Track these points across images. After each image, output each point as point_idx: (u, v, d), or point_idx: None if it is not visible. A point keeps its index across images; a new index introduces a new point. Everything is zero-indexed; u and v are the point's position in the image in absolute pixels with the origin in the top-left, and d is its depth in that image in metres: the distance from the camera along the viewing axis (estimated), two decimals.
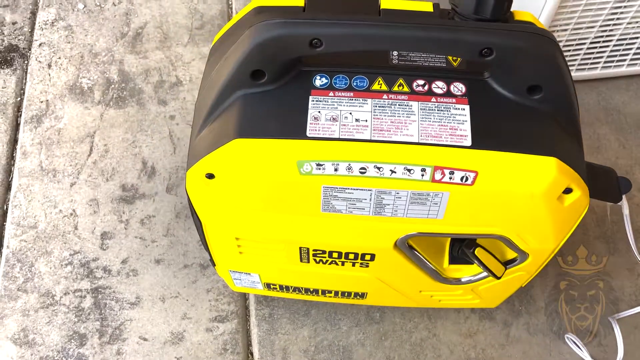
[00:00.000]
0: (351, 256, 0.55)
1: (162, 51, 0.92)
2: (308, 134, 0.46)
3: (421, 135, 0.46)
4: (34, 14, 0.95)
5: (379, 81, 0.48)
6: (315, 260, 0.56)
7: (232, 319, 0.71)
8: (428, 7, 0.53)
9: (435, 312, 0.72)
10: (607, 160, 0.84)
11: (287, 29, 0.44)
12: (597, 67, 0.89)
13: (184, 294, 0.73)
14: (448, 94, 0.48)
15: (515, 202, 0.48)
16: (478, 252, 0.54)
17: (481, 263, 0.54)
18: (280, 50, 0.45)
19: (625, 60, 0.89)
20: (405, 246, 0.54)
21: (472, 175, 0.46)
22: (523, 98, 0.47)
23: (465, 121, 0.47)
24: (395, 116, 0.47)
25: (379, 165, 0.46)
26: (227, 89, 0.48)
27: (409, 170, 0.46)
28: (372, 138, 0.46)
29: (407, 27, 0.44)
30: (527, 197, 0.47)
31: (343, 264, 0.57)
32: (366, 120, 0.46)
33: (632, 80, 0.92)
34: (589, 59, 0.87)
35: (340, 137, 0.46)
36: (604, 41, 0.85)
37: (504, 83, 0.48)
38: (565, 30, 0.81)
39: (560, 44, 0.84)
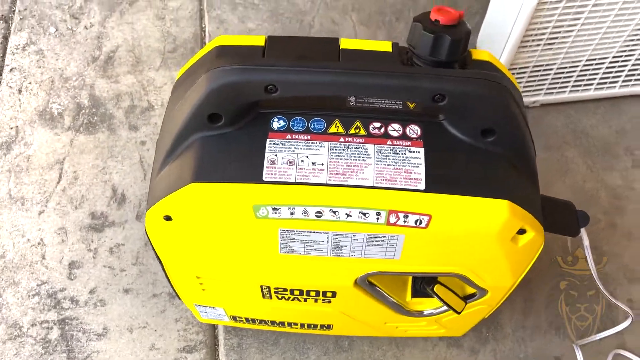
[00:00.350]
0: (312, 293, 0.56)
1: (134, 75, 0.92)
2: (264, 178, 0.46)
3: (376, 179, 0.46)
4: (6, 38, 0.94)
5: (336, 124, 0.49)
6: (277, 297, 0.57)
7: (201, 349, 0.71)
8: (387, 47, 0.53)
9: (403, 340, 0.73)
10: (574, 183, 0.86)
11: (242, 75, 0.45)
12: (565, 91, 0.90)
13: (152, 324, 0.72)
14: (404, 136, 0.48)
15: (470, 243, 0.48)
16: (437, 288, 0.54)
17: (441, 299, 0.55)
18: (236, 95, 0.46)
19: (592, 83, 0.90)
20: (366, 283, 0.54)
21: (426, 218, 0.46)
22: (477, 141, 0.48)
23: (420, 164, 0.47)
24: (351, 159, 0.47)
25: (334, 210, 0.46)
26: (185, 131, 0.48)
27: (364, 214, 0.46)
28: (328, 182, 0.46)
29: (361, 75, 0.45)
30: (481, 239, 0.48)
31: (305, 300, 0.57)
32: (322, 164, 0.47)
33: (599, 104, 0.93)
34: (557, 82, 0.89)
35: (296, 181, 0.46)
36: (571, 65, 0.86)
37: (458, 126, 0.48)
38: (533, 54, 0.82)
39: (528, 69, 0.85)
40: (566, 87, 0.90)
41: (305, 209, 0.46)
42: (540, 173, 0.86)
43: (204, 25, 0.98)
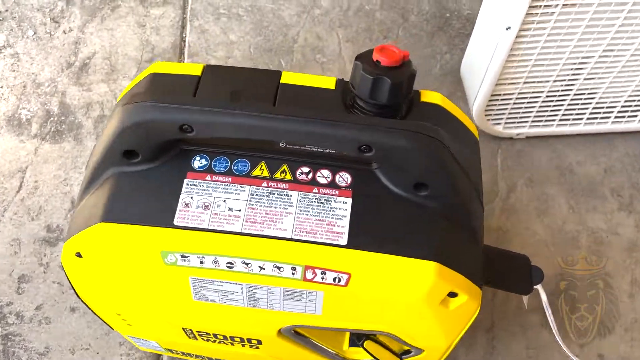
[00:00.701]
0: (237, 339, 0.53)
1: (107, 84, 0.90)
2: (175, 222, 0.43)
3: (295, 230, 0.43)
4: None
5: (262, 166, 0.46)
6: (202, 339, 0.54)
7: None
8: (330, 84, 0.50)
9: None
10: (553, 224, 0.81)
11: (155, 113, 0.42)
12: (552, 124, 0.86)
13: (95, 347, 0.70)
14: (332, 184, 0.45)
15: (395, 305, 0.45)
16: (368, 344, 0.51)
17: (372, 355, 0.51)
18: (150, 133, 0.43)
19: (582, 118, 0.85)
20: (292, 333, 0.51)
21: (345, 276, 0.43)
22: (410, 194, 0.45)
23: (345, 216, 0.44)
24: (271, 207, 0.44)
25: (247, 261, 0.43)
26: (101, 164, 0.46)
27: (279, 268, 0.43)
28: (243, 231, 0.43)
29: (283, 120, 0.41)
30: (407, 302, 0.44)
31: (232, 344, 0.54)
32: (240, 210, 0.44)
33: (589, 139, 0.88)
34: (544, 115, 0.84)
35: (209, 227, 0.43)
36: (559, 97, 0.81)
37: (390, 177, 0.45)
38: (517, 83, 0.78)
39: (512, 99, 0.80)
40: (553, 120, 0.85)
41: (215, 258, 0.43)
42: (517, 210, 0.83)
43: (184, 35, 0.96)
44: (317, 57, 0.95)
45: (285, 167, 0.46)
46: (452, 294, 0.45)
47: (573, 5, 0.68)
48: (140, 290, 0.47)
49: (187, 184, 0.45)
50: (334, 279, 0.43)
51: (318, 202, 0.44)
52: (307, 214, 0.44)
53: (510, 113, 0.83)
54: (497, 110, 0.82)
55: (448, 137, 0.44)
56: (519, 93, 0.80)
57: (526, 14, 0.66)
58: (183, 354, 0.62)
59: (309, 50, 0.96)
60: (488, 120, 0.83)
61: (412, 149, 0.42)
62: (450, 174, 0.43)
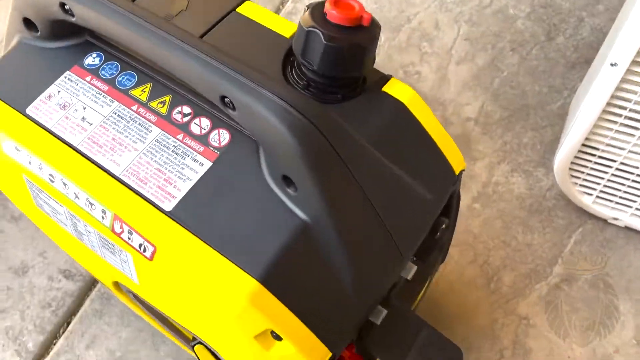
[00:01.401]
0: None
1: None
2: (27, 110, 0.38)
3: (127, 170, 0.35)
4: None
5: (145, 88, 0.38)
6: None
7: (77, 281, 0.67)
8: (287, 32, 0.40)
9: None
10: (599, 347, 0.60)
11: None
12: None
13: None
14: (202, 139, 0.35)
15: (206, 311, 0.34)
16: (198, 349, 0.41)
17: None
18: (41, 6, 0.38)
19: None
20: (131, 292, 0.43)
21: (151, 248, 0.33)
22: (279, 188, 0.33)
23: (190, 180, 0.34)
24: (122, 134, 0.36)
25: (65, 181, 0.36)
26: (11, 27, 0.42)
27: (91, 204, 0.35)
28: (78, 147, 0.36)
29: (153, 35, 0.33)
30: (216, 315, 0.33)
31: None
32: (91, 124, 0.37)
33: None
34: None
35: (50, 128, 0.37)
36: None
37: (267, 156, 0.34)
38: (623, 143, 0.57)
39: (614, 164, 0.59)
40: None
41: (41, 164, 0.37)
42: (563, 309, 0.62)
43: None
44: (423, 45, 0.82)
45: (167, 98, 0.37)
46: (277, 336, 0.33)
47: None
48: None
49: (65, 77, 0.39)
50: (139, 246, 0.34)
51: (173, 151, 0.35)
52: (151, 158, 0.35)
53: (607, 184, 0.62)
54: (589, 172, 0.62)
55: (345, 132, 0.31)
56: (625, 159, 0.59)
57: None
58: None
59: (418, 36, 0.83)
60: (574, 182, 0.63)
61: (272, 125, 0.30)
62: (323, 179, 0.31)
